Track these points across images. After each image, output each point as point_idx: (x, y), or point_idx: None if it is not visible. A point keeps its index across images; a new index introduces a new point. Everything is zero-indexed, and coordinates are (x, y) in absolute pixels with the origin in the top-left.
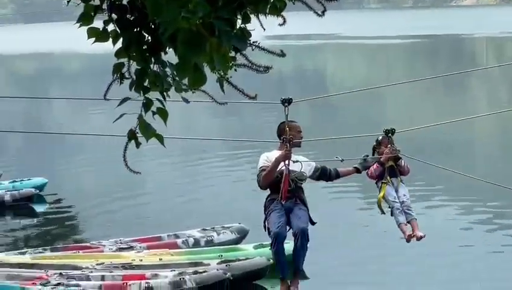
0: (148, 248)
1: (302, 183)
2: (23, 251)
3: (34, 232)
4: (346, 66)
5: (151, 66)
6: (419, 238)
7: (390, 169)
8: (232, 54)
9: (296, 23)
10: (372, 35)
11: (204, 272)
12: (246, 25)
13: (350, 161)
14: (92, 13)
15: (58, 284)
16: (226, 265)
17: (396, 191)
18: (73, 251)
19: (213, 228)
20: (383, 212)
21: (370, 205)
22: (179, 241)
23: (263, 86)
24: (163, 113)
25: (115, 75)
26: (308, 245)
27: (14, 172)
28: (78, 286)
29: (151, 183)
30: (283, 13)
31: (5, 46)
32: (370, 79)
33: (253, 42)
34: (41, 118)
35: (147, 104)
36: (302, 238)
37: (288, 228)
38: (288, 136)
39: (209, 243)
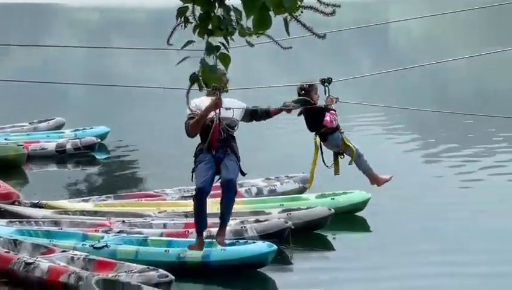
0: (211, 196)
1: (233, 132)
2: (86, 198)
3: (96, 180)
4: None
5: (215, 10)
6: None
7: None
8: None
9: None
10: None
11: (265, 221)
12: None
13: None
14: None
15: (121, 231)
16: (287, 214)
17: None
18: (136, 199)
19: (277, 177)
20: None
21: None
22: (242, 190)
23: None
24: (225, 59)
25: (179, 19)
26: (235, 197)
27: (77, 121)
28: (140, 233)
29: None
30: None
31: None
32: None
33: None
34: (105, 68)
35: (209, 48)
36: (228, 189)
37: (217, 178)
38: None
39: (272, 192)
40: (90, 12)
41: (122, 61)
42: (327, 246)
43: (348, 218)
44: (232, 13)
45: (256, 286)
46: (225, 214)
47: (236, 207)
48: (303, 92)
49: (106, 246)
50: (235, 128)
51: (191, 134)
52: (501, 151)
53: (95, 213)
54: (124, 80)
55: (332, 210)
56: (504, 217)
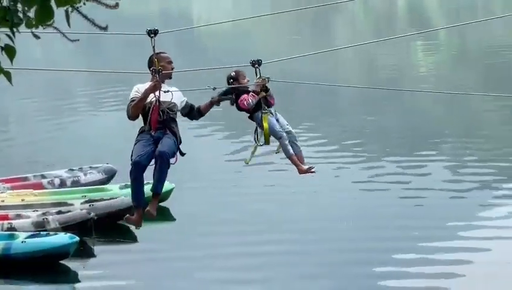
0: (13, 188)
1: (174, 115)
2: None
3: None
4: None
5: (2, 1)
6: (312, 172)
7: (264, 100)
8: None
9: None
10: None
11: (68, 212)
12: None
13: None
14: None
15: None
16: (90, 205)
17: (277, 120)
18: None
19: (80, 168)
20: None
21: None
22: (45, 181)
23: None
24: (10, 51)
25: None
26: (167, 169)
27: None
28: None
29: (17, 122)
30: None
31: None
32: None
33: None
34: None
35: None
36: (159, 161)
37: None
38: (157, 67)
39: (76, 183)
40: None
41: None
42: (130, 236)
43: None
44: (18, 4)
45: (59, 277)
46: (156, 186)
47: (38, 199)
48: (231, 80)
49: None
50: (176, 112)
51: (131, 116)
52: (321, 138)
53: None
54: None
55: None
56: (308, 201)
